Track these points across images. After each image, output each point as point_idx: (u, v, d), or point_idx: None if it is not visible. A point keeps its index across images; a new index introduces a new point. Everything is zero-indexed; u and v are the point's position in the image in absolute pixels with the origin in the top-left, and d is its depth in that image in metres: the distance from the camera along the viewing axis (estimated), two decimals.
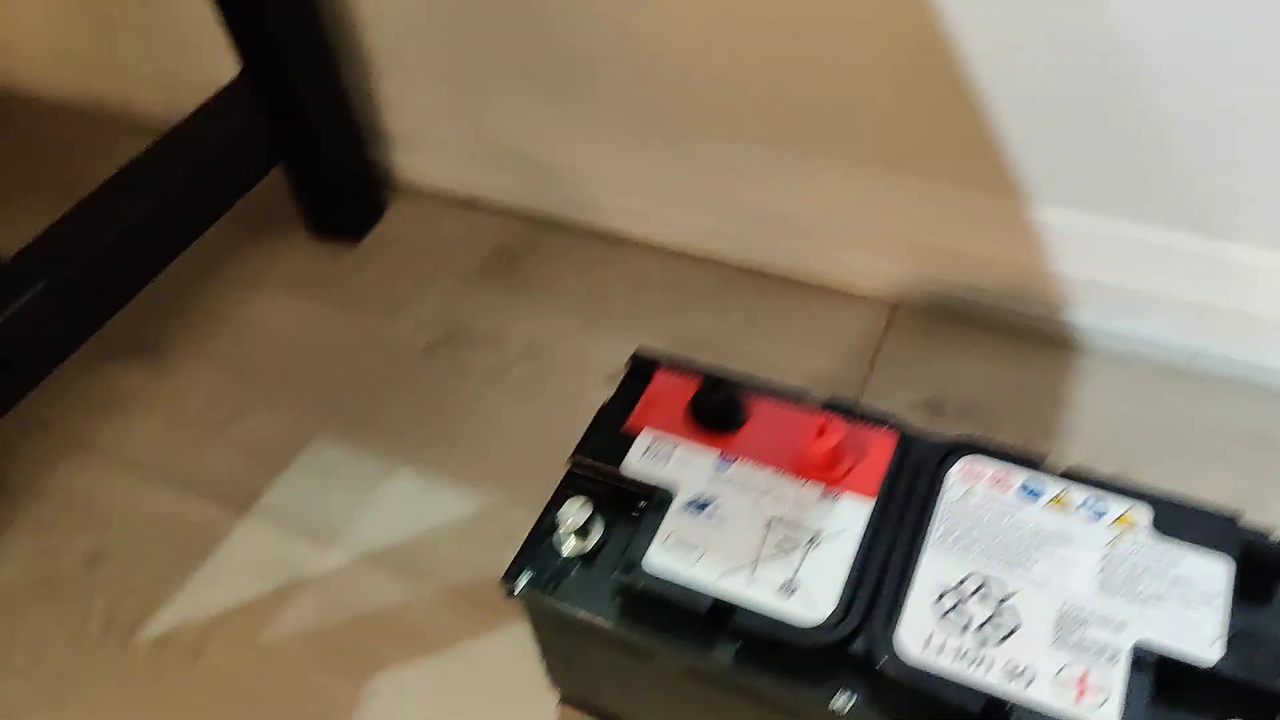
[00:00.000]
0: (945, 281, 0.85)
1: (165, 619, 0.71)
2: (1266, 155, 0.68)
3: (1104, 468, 0.53)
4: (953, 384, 0.81)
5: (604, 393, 0.57)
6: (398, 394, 0.85)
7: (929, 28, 0.71)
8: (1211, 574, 0.46)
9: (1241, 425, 0.75)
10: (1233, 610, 0.45)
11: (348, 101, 0.95)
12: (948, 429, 0.71)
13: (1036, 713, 0.42)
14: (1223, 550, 0.47)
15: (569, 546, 0.51)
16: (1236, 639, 0.44)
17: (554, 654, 0.58)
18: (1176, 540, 0.48)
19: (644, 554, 0.49)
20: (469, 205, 1.02)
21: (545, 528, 0.52)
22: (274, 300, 0.94)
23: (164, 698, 0.67)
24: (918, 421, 0.55)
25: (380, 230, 1.01)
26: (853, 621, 0.46)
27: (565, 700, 0.63)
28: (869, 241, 0.86)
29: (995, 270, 0.83)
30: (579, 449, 0.54)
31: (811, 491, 0.51)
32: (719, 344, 0.86)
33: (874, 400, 0.80)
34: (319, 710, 0.66)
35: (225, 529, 0.76)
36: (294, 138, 0.92)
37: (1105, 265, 0.78)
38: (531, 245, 0.97)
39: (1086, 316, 0.81)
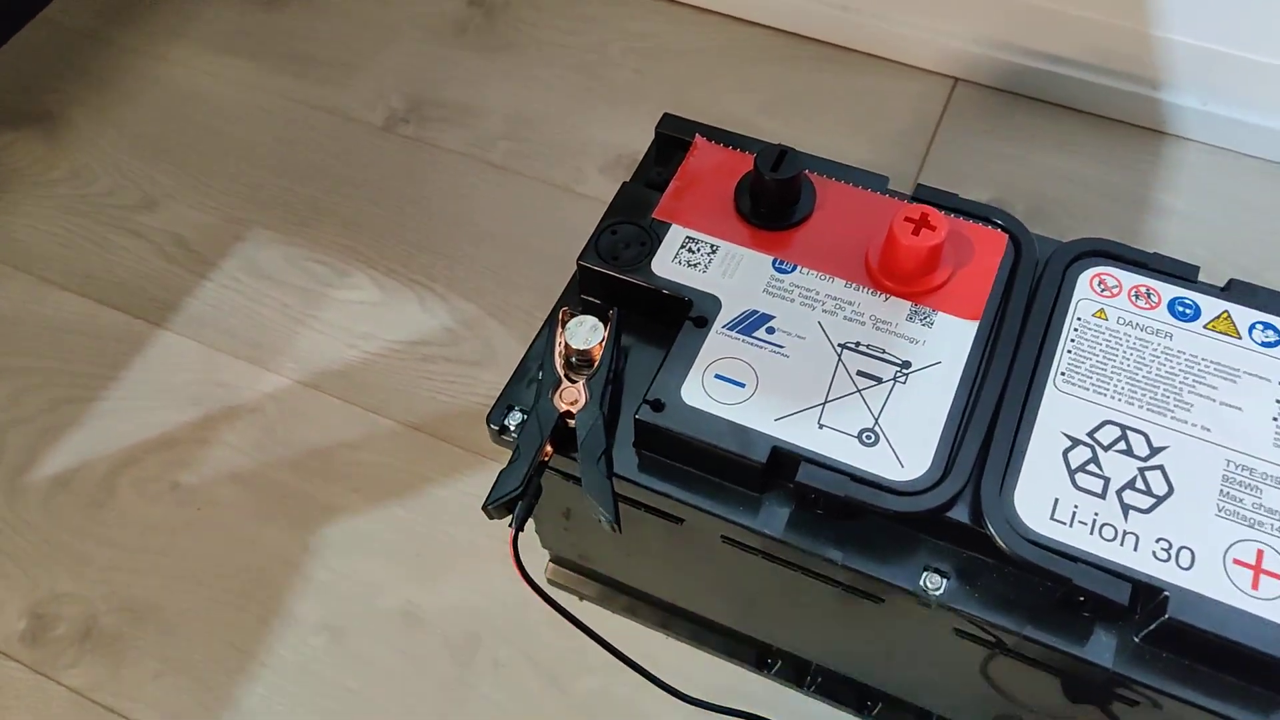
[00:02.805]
0: (1017, 47, 0.70)
1: (65, 454, 0.59)
2: None
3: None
4: (1020, 179, 0.68)
5: (603, 181, 0.44)
6: (351, 179, 0.70)
7: None
8: None
9: None
10: None
11: None
12: None
13: (1200, 603, 0.33)
14: None
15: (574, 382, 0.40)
16: None
17: (546, 510, 0.48)
18: None
19: (678, 388, 0.38)
20: None
21: (546, 354, 0.40)
22: (199, 57, 0.77)
23: (64, 550, 0.56)
24: None
25: None
26: (956, 481, 0.35)
27: (557, 561, 0.53)
28: None
29: (1080, 32, 0.67)
30: (590, 248, 0.41)
31: (898, 308, 0.39)
32: (742, 126, 0.71)
33: None
34: (254, 564, 0.55)
35: (138, 343, 0.63)
36: None
37: (1223, 28, 0.64)
38: None
39: (1189, 96, 0.67)
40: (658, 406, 0.37)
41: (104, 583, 0.55)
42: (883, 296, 0.39)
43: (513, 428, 0.39)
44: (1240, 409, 0.36)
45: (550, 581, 0.53)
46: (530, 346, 0.41)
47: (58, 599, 0.54)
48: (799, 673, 0.50)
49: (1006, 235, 0.41)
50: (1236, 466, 0.35)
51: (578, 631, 0.41)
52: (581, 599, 0.53)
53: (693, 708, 0.42)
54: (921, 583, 0.36)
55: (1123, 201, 0.66)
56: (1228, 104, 0.67)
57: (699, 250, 0.41)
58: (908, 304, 0.39)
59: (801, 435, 0.36)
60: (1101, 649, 0.34)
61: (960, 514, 0.35)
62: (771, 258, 0.41)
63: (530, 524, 0.49)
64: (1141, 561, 0.33)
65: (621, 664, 0.40)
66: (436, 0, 0.80)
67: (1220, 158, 0.67)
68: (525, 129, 0.72)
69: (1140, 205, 0.66)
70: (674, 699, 0.41)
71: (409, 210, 0.69)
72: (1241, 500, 0.34)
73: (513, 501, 0.37)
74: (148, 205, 0.69)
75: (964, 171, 0.68)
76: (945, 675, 0.43)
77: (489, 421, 0.40)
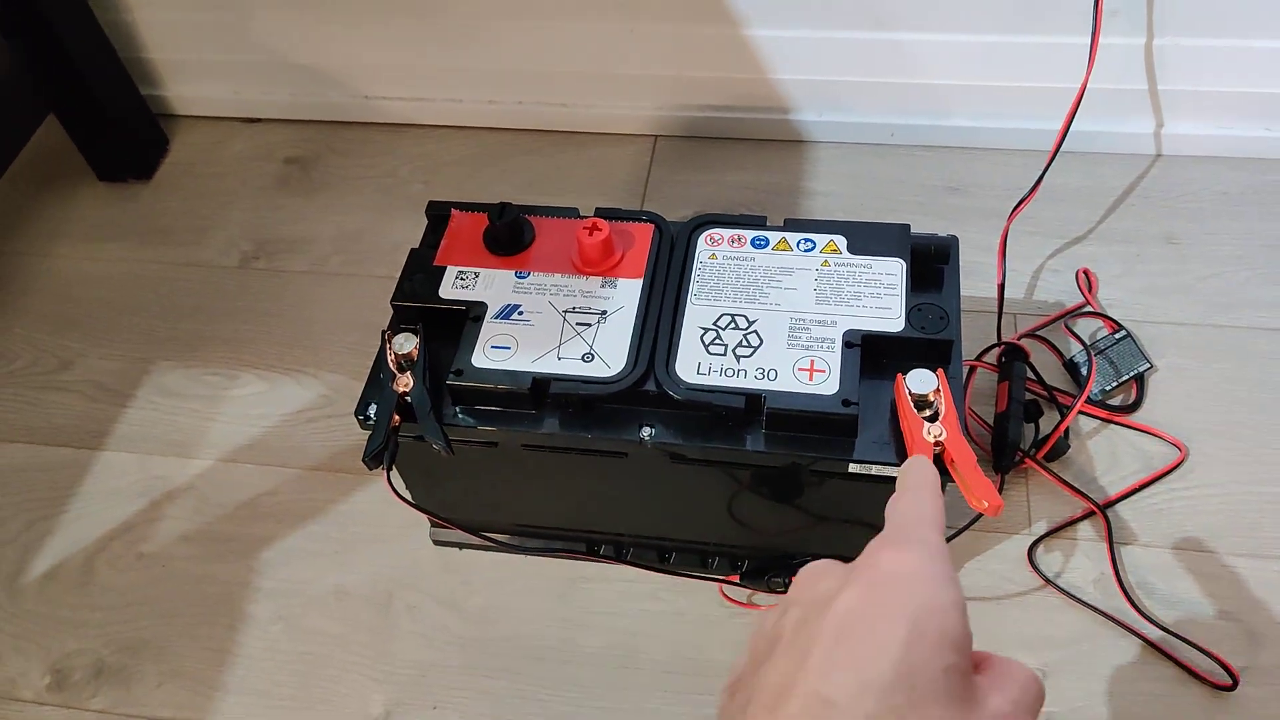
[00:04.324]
0: (693, 105, 0.97)
1: (47, 556, 0.76)
2: None
3: None
4: (713, 197, 0.94)
5: None
6: (223, 310, 0.91)
7: None
8: (893, 272, 0.61)
9: (937, 180, 0.92)
10: (909, 294, 0.60)
11: (108, 39, 0.96)
12: None
13: (782, 395, 0.57)
14: (899, 254, 0.62)
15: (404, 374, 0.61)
16: (913, 312, 0.59)
17: (415, 476, 0.69)
18: (866, 254, 0.62)
19: (470, 359, 0.60)
20: (251, 123, 1.06)
21: (383, 364, 0.62)
22: (78, 249, 0.97)
23: (64, 622, 0.73)
24: None
25: (169, 162, 1.04)
26: (641, 367, 0.59)
27: (435, 523, 0.74)
28: (623, 86, 0.97)
29: (731, 88, 0.95)
30: (398, 291, 0.64)
31: (594, 282, 0.63)
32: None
33: None
34: (214, 592, 0.73)
35: (85, 466, 0.81)
36: (61, 84, 0.93)
37: (813, 66, 0.92)
38: (320, 149, 1.03)
39: (809, 112, 0.96)
40: (459, 373, 0.60)
41: (101, 636, 0.72)
42: (585, 278, 0.63)
43: (372, 414, 0.61)
44: (795, 289, 0.61)
45: (435, 541, 0.74)
46: (373, 366, 0.63)
47: (69, 655, 0.71)
48: (618, 550, 0.72)
49: (653, 224, 0.66)
50: (796, 320, 0.60)
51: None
52: (461, 549, 0.74)
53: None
54: (640, 434, 0.58)
55: (784, 195, 0.94)
56: (835, 112, 0.95)
57: (467, 277, 0.64)
58: (600, 278, 0.63)
59: (548, 367, 0.59)
60: (748, 441, 0.58)
61: (650, 386, 0.59)
62: (513, 271, 0.64)
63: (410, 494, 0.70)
64: (749, 383, 0.57)
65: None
66: (260, 165, 1.02)
67: (839, 149, 0.96)
68: (351, 244, 0.95)
69: (796, 194, 0.93)
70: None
71: (273, 322, 0.89)
72: (800, 337, 0.59)
73: (380, 453, 0.58)
74: (64, 366, 0.88)
75: (672, 200, 0.94)
76: (698, 506, 0.65)
77: (356, 414, 0.61)
